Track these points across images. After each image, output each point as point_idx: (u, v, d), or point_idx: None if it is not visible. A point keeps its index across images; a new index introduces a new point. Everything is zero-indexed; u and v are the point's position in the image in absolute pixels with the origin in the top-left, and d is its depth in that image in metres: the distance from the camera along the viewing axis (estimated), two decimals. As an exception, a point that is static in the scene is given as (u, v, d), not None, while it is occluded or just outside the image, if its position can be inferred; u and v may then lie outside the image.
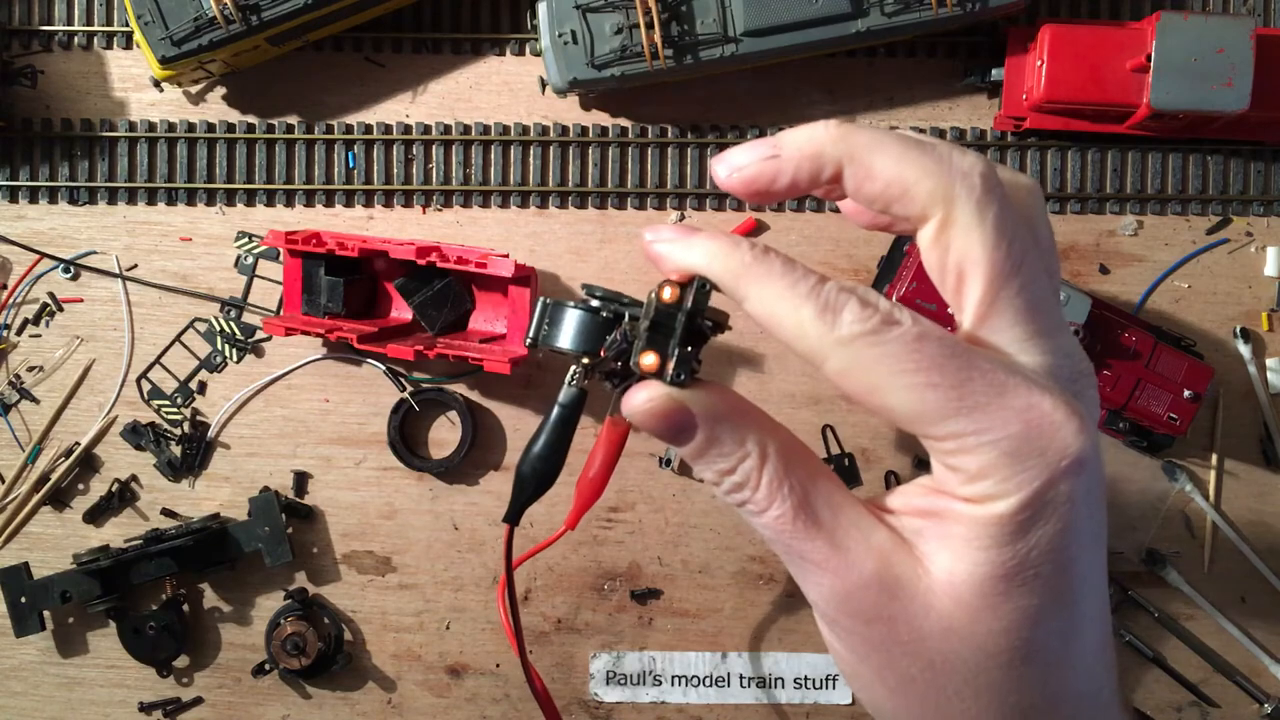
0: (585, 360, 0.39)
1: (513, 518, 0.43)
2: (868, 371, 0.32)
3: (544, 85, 0.85)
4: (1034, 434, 0.31)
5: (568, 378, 0.40)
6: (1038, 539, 0.32)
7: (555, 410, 0.41)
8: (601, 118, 0.85)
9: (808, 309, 0.32)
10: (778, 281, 0.33)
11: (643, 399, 0.34)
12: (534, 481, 0.42)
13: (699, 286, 0.35)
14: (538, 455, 0.42)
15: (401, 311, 0.83)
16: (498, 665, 0.85)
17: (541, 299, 0.39)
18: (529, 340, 0.39)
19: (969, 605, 0.33)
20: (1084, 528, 0.33)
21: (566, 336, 0.38)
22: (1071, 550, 0.33)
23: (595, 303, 0.38)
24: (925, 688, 0.34)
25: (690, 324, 0.35)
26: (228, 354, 0.85)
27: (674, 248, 0.35)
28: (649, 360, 0.35)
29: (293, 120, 0.85)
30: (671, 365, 0.35)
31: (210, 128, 0.85)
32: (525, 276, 0.77)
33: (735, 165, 0.35)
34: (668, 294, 0.35)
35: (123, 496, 0.85)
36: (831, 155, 0.33)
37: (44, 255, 0.84)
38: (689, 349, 0.35)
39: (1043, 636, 0.33)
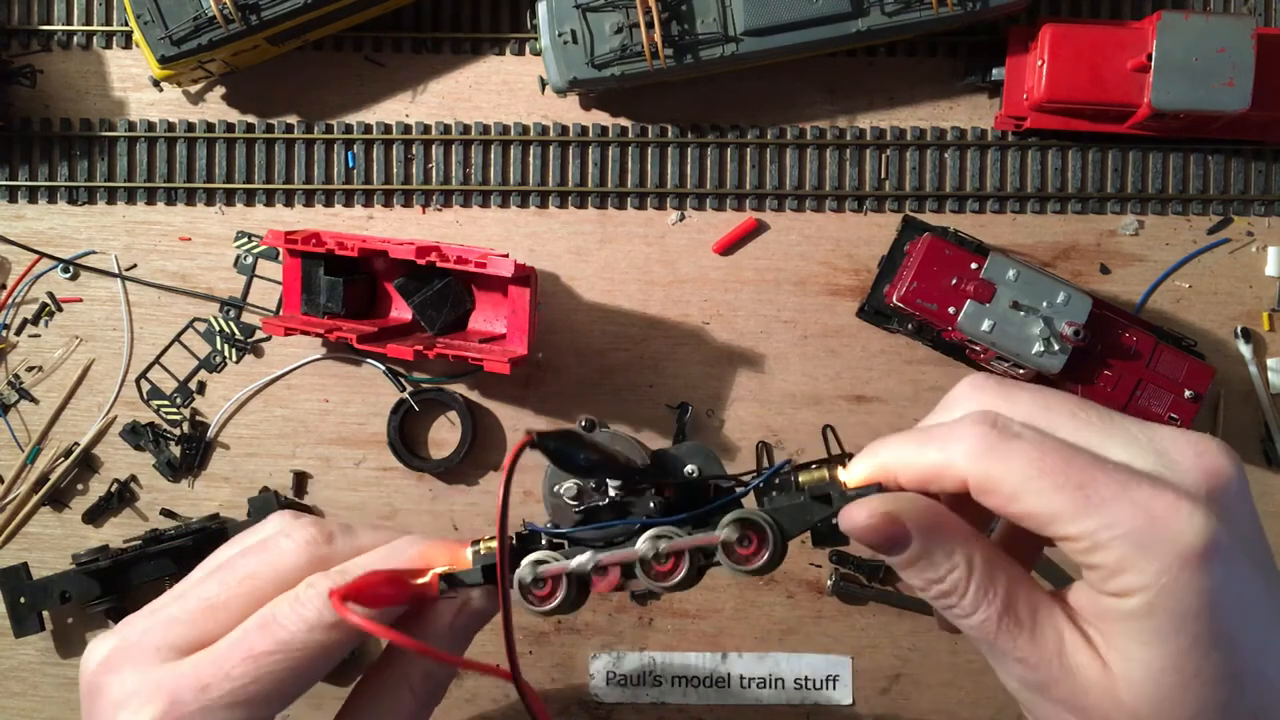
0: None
1: None
2: (1001, 482, 0.35)
3: (544, 85, 0.85)
4: (1159, 525, 0.33)
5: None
6: (1195, 630, 0.33)
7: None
8: (601, 117, 0.85)
9: (932, 448, 0.38)
10: (900, 443, 0.40)
11: (866, 514, 0.38)
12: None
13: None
14: None
15: (401, 311, 0.83)
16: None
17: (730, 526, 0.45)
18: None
19: (1151, 699, 0.34)
20: (1241, 604, 0.34)
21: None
22: (1234, 632, 0.33)
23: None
24: None
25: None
26: (227, 354, 0.85)
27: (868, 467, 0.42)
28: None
29: (292, 120, 0.85)
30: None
31: (210, 127, 0.85)
32: (525, 276, 0.77)
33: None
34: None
35: (122, 497, 0.85)
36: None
37: (43, 255, 0.84)
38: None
39: (1237, 716, 0.34)
